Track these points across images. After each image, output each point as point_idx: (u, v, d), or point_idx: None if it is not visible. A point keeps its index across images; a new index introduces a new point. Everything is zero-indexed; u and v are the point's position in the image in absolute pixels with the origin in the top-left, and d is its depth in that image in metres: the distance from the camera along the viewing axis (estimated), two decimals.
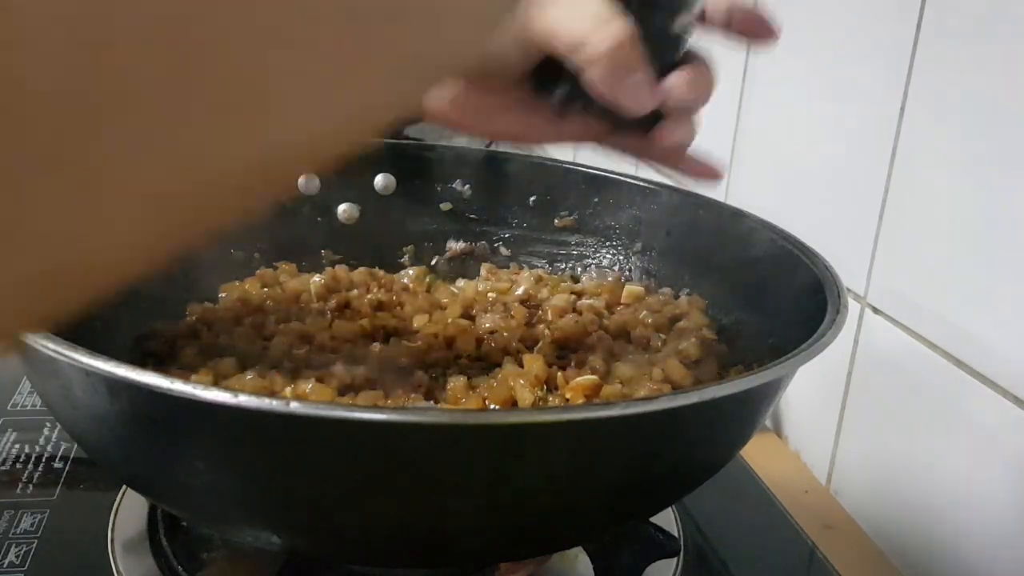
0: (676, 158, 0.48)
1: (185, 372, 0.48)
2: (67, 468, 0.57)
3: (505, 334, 0.54)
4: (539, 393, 0.48)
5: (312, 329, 0.53)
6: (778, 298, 0.52)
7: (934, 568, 0.57)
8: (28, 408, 0.64)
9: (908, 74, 0.59)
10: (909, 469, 0.60)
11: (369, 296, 0.59)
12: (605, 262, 0.65)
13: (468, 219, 0.67)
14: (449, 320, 0.56)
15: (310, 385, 0.46)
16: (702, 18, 0.43)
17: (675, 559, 0.52)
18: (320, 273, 0.61)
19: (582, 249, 0.66)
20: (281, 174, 0.16)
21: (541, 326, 0.56)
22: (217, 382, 0.47)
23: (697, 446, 0.41)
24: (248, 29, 0.13)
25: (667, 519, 0.55)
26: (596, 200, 0.65)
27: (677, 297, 0.60)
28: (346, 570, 0.48)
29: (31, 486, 0.55)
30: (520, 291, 0.61)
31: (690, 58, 0.43)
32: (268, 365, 0.48)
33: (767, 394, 0.42)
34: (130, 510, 0.52)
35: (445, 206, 0.67)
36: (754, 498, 0.62)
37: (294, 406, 0.31)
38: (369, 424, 0.32)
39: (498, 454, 0.36)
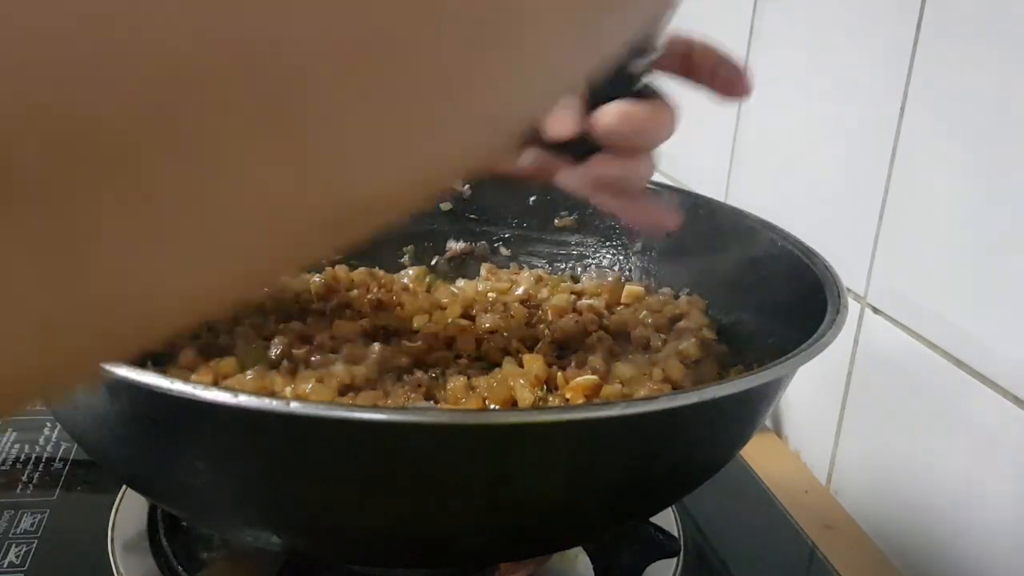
0: (622, 197, 0.46)
1: (185, 372, 0.48)
2: (67, 468, 0.57)
3: (505, 334, 0.54)
4: (539, 393, 0.48)
5: (312, 329, 0.53)
6: (778, 298, 0.52)
7: (934, 568, 0.57)
8: (28, 408, 0.64)
9: (908, 74, 0.59)
10: (909, 469, 0.60)
11: (369, 296, 0.59)
12: (605, 262, 0.65)
13: (468, 219, 0.67)
14: (449, 320, 0.56)
15: (310, 385, 0.46)
16: (667, 63, 0.41)
17: (675, 559, 0.52)
18: (320, 273, 0.61)
19: (582, 249, 0.66)
20: (352, 227, 0.16)
21: (541, 326, 0.56)
22: (217, 382, 0.47)
23: (697, 446, 0.41)
24: (350, 86, 0.13)
25: (667, 519, 0.55)
26: None
27: (677, 297, 0.60)
28: (346, 570, 0.48)
29: (31, 486, 0.55)
30: (520, 291, 0.61)
31: (646, 95, 0.41)
32: (268, 365, 0.48)
33: (767, 394, 0.42)
34: (130, 510, 0.52)
35: (445, 206, 0.67)
36: (754, 498, 0.62)
37: (294, 406, 0.31)
38: (369, 424, 0.32)
39: (498, 454, 0.36)
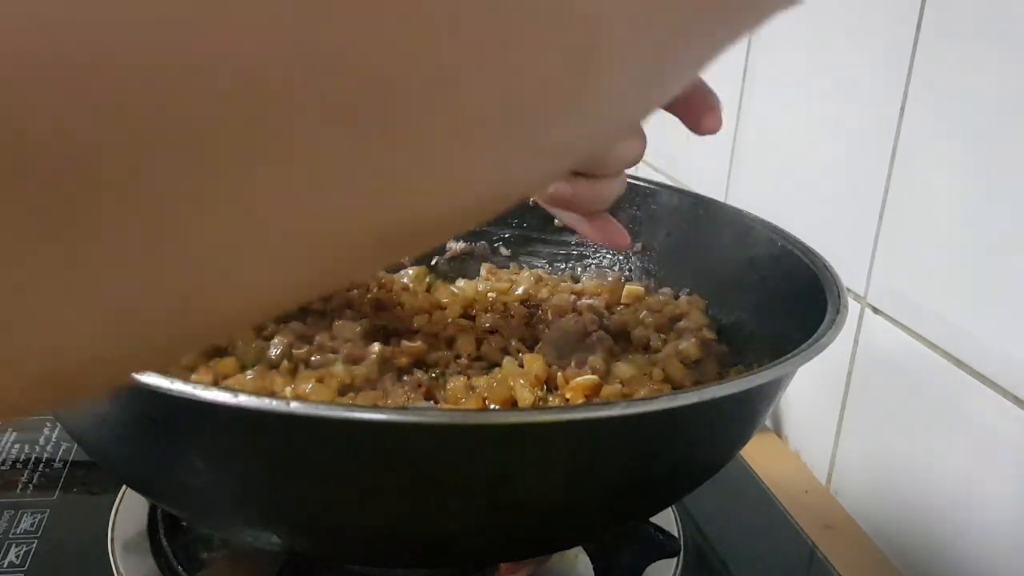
0: (585, 216, 0.47)
1: (185, 372, 0.48)
2: (67, 469, 0.57)
3: (505, 334, 0.54)
4: (539, 393, 0.48)
5: (312, 329, 0.53)
6: (778, 298, 0.52)
7: (934, 568, 0.57)
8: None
9: (908, 74, 0.59)
10: (909, 469, 0.60)
11: (369, 296, 0.59)
12: (605, 262, 0.65)
13: None
14: (449, 320, 0.56)
15: (310, 385, 0.46)
16: None
17: (675, 559, 0.52)
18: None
19: (582, 249, 0.66)
20: (406, 246, 0.16)
21: (541, 326, 0.56)
22: (217, 382, 0.47)
23: (697, 446, 0.41)
24: (433, 107, 0.13)
25: (667, 519, 0.55)
26: None
27: (677, 297, 0.60)
28: (346, 570, 0.48)
29: (31, 486, 0.55)
30: (520, 291, 0.61)
31: None
32: (268, 365, 0.48)
33: (767, 394, 0.42)
34: (130, 510, 0.52)
35: None
36: (754, 498, 0.62)
37: (294, 406, 0.31)
38: (369, 424, 0.32)
39: (498, 454, 0.36)
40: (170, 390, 0.32)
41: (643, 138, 0.41)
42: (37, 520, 0.52)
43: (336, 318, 0.56)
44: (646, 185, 0.62)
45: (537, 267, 0.66)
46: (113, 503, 0.53)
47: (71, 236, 0.11)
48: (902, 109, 0.60)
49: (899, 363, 0.61)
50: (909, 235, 0.60)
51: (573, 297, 0.60)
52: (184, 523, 0.51)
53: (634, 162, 0.41)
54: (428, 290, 0.62)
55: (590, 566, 0.51)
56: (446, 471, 0.35)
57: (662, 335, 0.55)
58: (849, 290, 0.61)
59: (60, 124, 0.10)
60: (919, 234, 0.59)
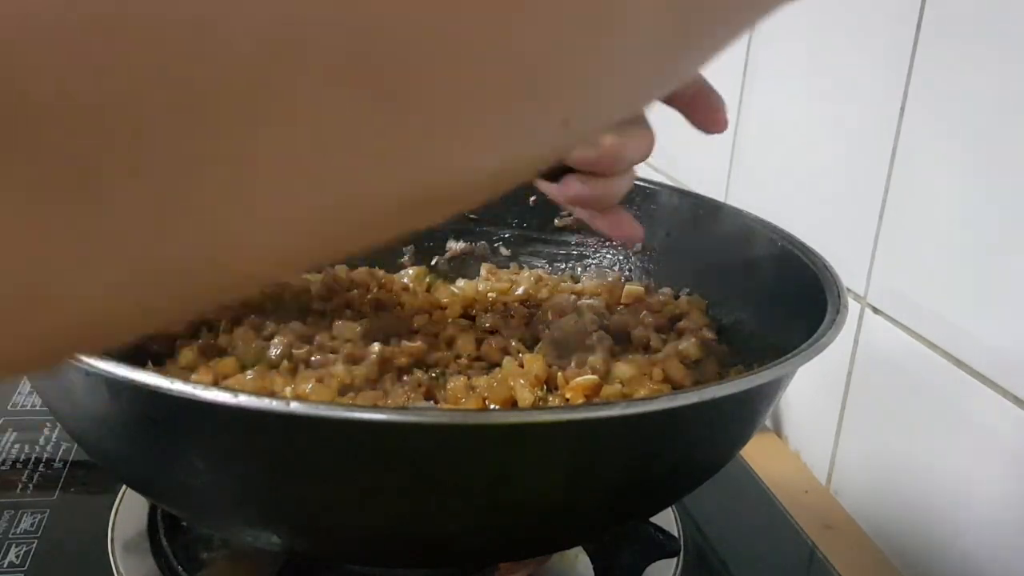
0: (599, 212, 0.47)
1: (185, 372, 0.48)
2: (67, 468, 0.57)
3: (505, 334, 0.54)
4: (539, 393, 0.48)
5: (312, 329, 0.53)
6: (778, 298, 0.52)
7: (934, 568, 0.57)
8: (28, 408, 0.64)
9: (908, 74, 0.59)
10: (909, 469, 0.60)
11: (369, 296, 0.59)
12: (605, 262, 0.65)
13: (468, 219, 0.67)
14: (449, 320, 0.56)
15: (310, 385, 0.46)
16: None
17: (675, 559, 0.52)
18: (320, 273, 0.61)
19: (582, 249, 0.66)
20: (424, 213, 0.16)
21: (541, 326, 0.56)
22: (217, 382, 0.47)
23: (697, 446, 0.41)
24: (455, 75, 0.13)
25: (667, 519, 0.55)
26: None
27: (677, 297, 0.60)
28: (346, 570, 0.48)
29: (31, 486, 0.55)
30: (520, 291, 0.61)
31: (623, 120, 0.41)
32: (268, 365, 0.48)
33: (767, 394, 0.42)
34: (130, 510, 0.52)
35: None
36: (754, 498, 0.62)
37: (294, 406, 0.31)
38: (369, 424, 0.32)
39: (498, 454, 0.36)
40: (170, 390, 0.32)
41: (652, 134, 0.41)
42: (37, 520, 0.52)
43: (336, 318, 0.56)
44: (646, 185, 0.62)
45: (537, 267, 0.66)
46: (113, 503, 0.53)
47: (80, 197, 0.11)
48: (902, 109, 0.60)
49: (899, 363, 0.61)
50: (909, 235, 0.60)
51: (573, 297, 0.60)
52: (184, 523, 0.51)
53: (643, 158, 0.41)
54: (428, 290, 0.62)
55: (590, 566, 0.51)
56: (446, 471, 0.35)
57: (662, 335, 0.55)
58: (849, 290, 0.61)
59: (63, 86, 0.10)
60: (919, 234, 0.59)
